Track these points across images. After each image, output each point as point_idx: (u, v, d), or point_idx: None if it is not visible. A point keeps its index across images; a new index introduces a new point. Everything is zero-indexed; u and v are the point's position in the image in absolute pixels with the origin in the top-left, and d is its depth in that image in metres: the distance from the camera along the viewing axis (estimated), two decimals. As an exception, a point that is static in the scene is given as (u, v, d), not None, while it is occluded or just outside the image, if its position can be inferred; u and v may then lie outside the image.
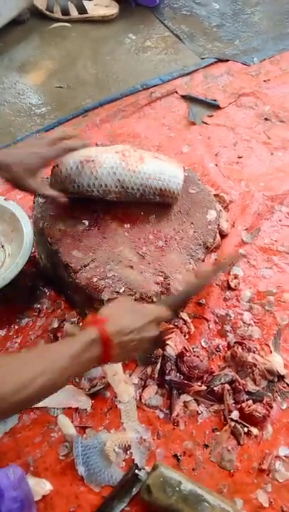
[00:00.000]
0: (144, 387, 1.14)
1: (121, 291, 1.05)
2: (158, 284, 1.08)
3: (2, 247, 1.32)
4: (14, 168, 1.01)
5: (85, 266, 1.10)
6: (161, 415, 1.11)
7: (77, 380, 1.14)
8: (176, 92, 1.88)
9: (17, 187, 1.06)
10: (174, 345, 1.17)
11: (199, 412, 1.12)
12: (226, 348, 1.22)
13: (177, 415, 1.11)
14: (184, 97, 1.87)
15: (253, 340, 1.23)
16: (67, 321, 1.23)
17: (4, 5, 1.96)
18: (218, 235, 1.36)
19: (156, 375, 1.14)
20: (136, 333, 0.86)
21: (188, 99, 1.86)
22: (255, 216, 1.49)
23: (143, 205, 1.19)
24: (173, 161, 1.20)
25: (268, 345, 1.22)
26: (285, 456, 1.07)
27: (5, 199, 1.34)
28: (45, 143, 1.07)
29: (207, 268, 1.15)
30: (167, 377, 1.13)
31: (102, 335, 0.81)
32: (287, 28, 2.21)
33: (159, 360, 1.16)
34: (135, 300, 1.06)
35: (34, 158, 1.03)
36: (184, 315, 1.24)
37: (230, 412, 1.11)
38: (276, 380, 1.16)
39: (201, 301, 1.29)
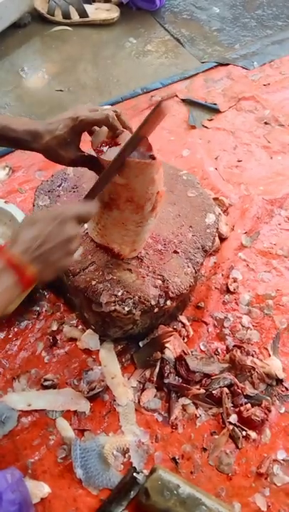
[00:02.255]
0: (142, 390, 1.14)
1: (119, 294, 1.06)
2: (157, 287, 1.08)
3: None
4: (46, 137, 0.92)
5: (84, 269, 1.10)
6: (160, 418, 1.11)
7: (75, 383, 1.14)
8: (177, 96, 1.88)
9: (50, 158, 0.96)
10: (172, 348, 1.17)
11: (198, 415, 1.12)
12: (225, 352, 1.22)
13: (176, 418, 1.11)
14: (184, 100, 1.87)
15: (251, 344, 1.23)
16: (66, 324, 1.24)
17: (5, 8, 1.96)
18: (217, 239, 1.36)
19: (155, 378, 1.15)
20: (47, 241, 0.78)
21: (189, 102, 1.86)
22: (255, 220, 1.49)
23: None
24: None
25: (266, 349, 1.23)
26: (283, 460, 1.07)
27: (5, 202, 1.34)
28: (87, 108, 0.94)
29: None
30: (166, 381, 1.14)
31: (8, 260, 0.76)
32: (288, 33, 2.22)
33: (158, 364, 1.16)
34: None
35: (68, 123, 0.91)
36: (182, 318, 1.25)
37: (228, 415, 1.11)
38: (275, 383, 1.17)
39: (200, 304, 1.29)
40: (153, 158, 0.90)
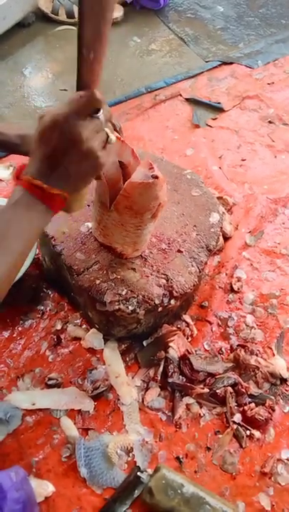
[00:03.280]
0: (146, 389, 1.14)
1: (123, 293, 1.06)
2: (160, 286, 1.08)
3: (6, 249, 1.32)
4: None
5: (88, 268, 1.10)
6: (164, 417, 1.11)
7: (80, 382, 1.15)
8: (181, 95, 1.88)
9: None
10: (176, 347, 1.17)
11: (202, 414, 1.12)
12: (229, 351, 1.22)
13: (180, 418, 1.11)
14: (188, 99, 1.87)
15: (255, 343, 1.23)
16: (70, 323, 1.24)
17: (9, 8, 1.97)
18: (221, 238, 1.36)
19: (159, 378, 1.15)
20: (61, 149, 0.65)
21: (193, 101, 1.87)
22: (259, 219, 1.49)
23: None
24: None
25: (270, 348, 1.22)
26: (287, 460, 1.07)
27: (9, 201, 1.34)
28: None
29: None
30: (170, 380, 1.14)
31: (27, 185, 0.66)
32: (292, 31, 2.22)
33: (162, 363, 1.16)
34: None
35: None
36: (186, 317, 1.25)
37: (232, 414, 1.11)
38: (279, 383, 1.16)
39: (203, 303, 1.29)
40: (156, 177, 0.90)
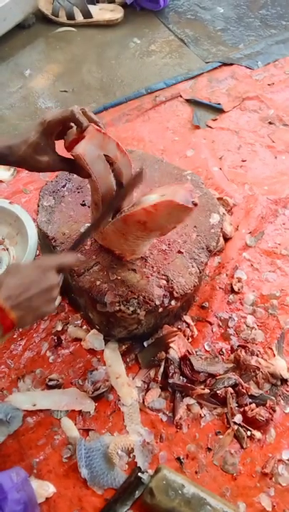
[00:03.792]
0: (147, 390, 1.14)
1: (124, 294, 1.06)
2: (161, 287, 1.08)
3: (7, 249, 1.33)
4: (22, 147, 0.92)
5: (88, 269, 1.10)
6: (165, 418, 1.11)
7: (80, 383, 1.15)
8: (181, 96, 1.89)
9: (29, 169, 0.95)
10: (177, 348, 1.17)
11: (202, 415, 1.12)
12: (230, 352, 1.22)
13: (180, 418, 1.11)
14: (188, 100, 1.87)
15: (256, 344, 1.23)
16: (71, 324, 1.24)
17: (10, 10, 1.97)
18: (221, 239, 1.36)
19: (160, 378, 1.15)
20: (29, 289, 0.81)
21: (193, 102, 1.87)
22: (259, 219, 1.49)
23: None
24: None
25: (271, 349, 1.22)
26: (288, 460, 1.07)
27: (10, 202, 1.35)
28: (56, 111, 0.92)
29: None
30: (170, 381, 1.14)
31: None
32: (292, 32, 2.22)
33: (163, 363, 1.16)
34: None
35: (38, 129, 0.91)
36: (187, 318, 1.25)
37: (233, 415, 1.11)
38: (279, 383, 1.16)
39: (204, 304, 1.29)
40: (195, 204, 0.89)
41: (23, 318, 0.82)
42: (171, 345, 1.17)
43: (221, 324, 1.27)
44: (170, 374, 1.14)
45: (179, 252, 1.15)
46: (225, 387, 1.13)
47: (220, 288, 1.33)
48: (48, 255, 0.89)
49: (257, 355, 1.19)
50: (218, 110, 1.85)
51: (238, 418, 1.10)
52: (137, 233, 0.99)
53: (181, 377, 1.15)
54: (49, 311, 0.87)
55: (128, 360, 1.19)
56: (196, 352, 1.19)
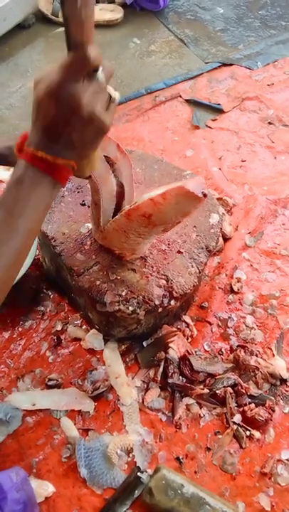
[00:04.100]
0: (146, 389, 1.14)
1: (123, 294, 1.06)
2: (161, 287, 1.08)
3: (6, 249, 1.33)
4: None
5: (88, 269, 1.10)
6: (164, 418, 1.11)
7: (80, 383, 1.15)
8: (180, 96, 1.89)
9: None
10: (176, 348, 1.17)
11: (202, 415, 1.12)
12: (229, 352, 1.22)
13: (180, 418, 1.11)
14: (187, 101, 1.88)
15: (255, 344, 1.23)
16: (70, 324, 1.24)
17: (10, 10, 1.97)
18: (220, 239, 1.36)
19: (159, 378, 1.15)
20: (62, 114, 0.61)
21: (192, 103, 1.87)
22: (259, 220, 1.49)
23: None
24: None
25: (270, 349, 1.23)
26: (287, 460, 1.07)
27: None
28: None
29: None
30: (170, 380, 1.14)
31: (30, 158, 0.62)
32: (292, 33, 2.22)
33: (162, 363, 1.16)
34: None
35: None
36: (186, 318, 1.25)
37: (232, 415, 1.11)
38: (279, 383, 1.16)
39: (203, 304, 1.29)
40: (205, 195, 0.86)
41: (78, 155, 0.65)
42: (170, 345, 1.17)
43: (220, 324, 1.27)
44: (169, 374, 1.14)
45: (179, 252, 1.15)
46: (224, 387, 1.13)
47: (219, 288, 1.33)
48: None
49: (256, 355, 1.19)
50: (217, 110, 1.85)
51: (238, 418, 1.10)
52: (139, 230, 0.98)
53: (180, 377, 1.15)
54: (105, 131, 0.65)
55: (127, 359, 1.19)
56: (195, 352, 1.19)
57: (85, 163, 0.73)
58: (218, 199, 1.48)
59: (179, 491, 0.96)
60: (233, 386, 1.14)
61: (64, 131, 0.61)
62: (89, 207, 1.19)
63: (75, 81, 0.60)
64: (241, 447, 1.08)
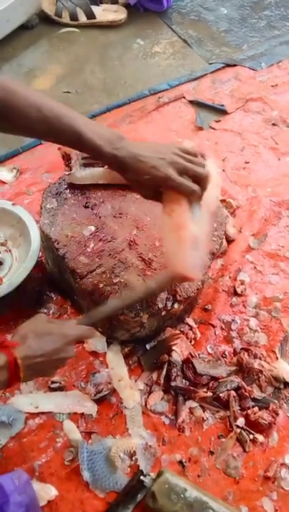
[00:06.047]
0: (149, 392, 1.14)
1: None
2: (164, 290, 1.08)
3: (9, 251, 1.33)
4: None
5: (91, 271, 1.10)
6: (167, 421, 1.11)
7: (83, 386, 1.14)
8: (184, 97, 1.88)
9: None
10: (179, 351, 1.17)
11: (205, 418, 1.12)
12: (232, 355, 1.22)
13: (183, 421, 1.11)
14: (191, 102, 1.87)
15: (259, 347, 1.23)
16: (73, 326, 1.24)
17: (13, 10, 1.97)
18: (224, 241, 1.36)
19: (162, 381, 1.14)
20: (47, 356, 0.84)
21: (196, 104, 1.86)
22: (262, 222, 1.49)
23: (150, 212, 1.19)
24: None
25: (274, 352, 1.22)
26: (290, 464, 1.07)
27: (12, 204, 1.35)
28: None
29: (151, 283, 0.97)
30: (173, 383, 1.13)
31: (11, 361, 0.80)
32: (296, 33, 2.21)
33: (165, 366, 1.16)
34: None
35: None
36: (190, 321, 1.24)
37: (235, 418, 1.10)
38: (282, 386, 1.16)
39: (207, 306, 1.29)
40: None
41: (29, 376, 0.84)
42: (173, 347, 1.17)
43: (223, 327, 1.26)
44: (173, 377, 1.14)
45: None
46: (228, 390, 1.13)
47: (223, 290, 1.33)
48: (71, 324, 0.91)
49: (260, 358, 1.18)
50: (221, 111, 1.84)
51: (241, 421, 1.10)
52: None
53: (183, 380, 1.15)
54: (52, 374, 0.96)
55: (131, 362, 1.18)
56: (198, 355, 1.19)
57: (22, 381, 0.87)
58: (222, 201, 1.48)
59: (182, 495, 0.95)
60: (237, 389, 1.13)
61: (45, 359, 0.84)
62: (92, 209, 1.18)
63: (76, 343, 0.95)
64: (245, 451, 1.08)
